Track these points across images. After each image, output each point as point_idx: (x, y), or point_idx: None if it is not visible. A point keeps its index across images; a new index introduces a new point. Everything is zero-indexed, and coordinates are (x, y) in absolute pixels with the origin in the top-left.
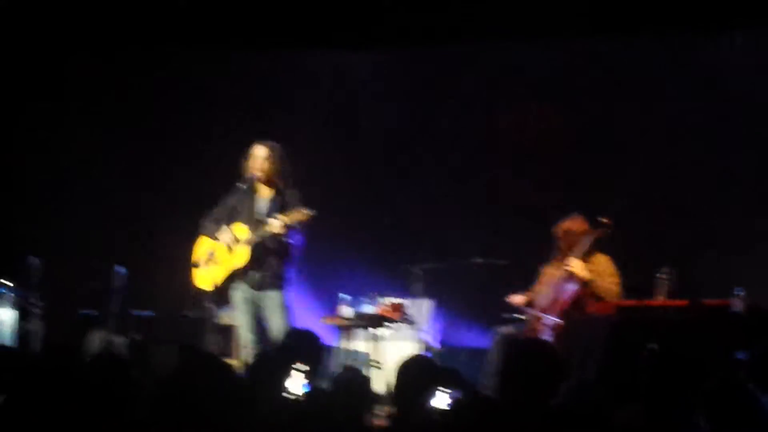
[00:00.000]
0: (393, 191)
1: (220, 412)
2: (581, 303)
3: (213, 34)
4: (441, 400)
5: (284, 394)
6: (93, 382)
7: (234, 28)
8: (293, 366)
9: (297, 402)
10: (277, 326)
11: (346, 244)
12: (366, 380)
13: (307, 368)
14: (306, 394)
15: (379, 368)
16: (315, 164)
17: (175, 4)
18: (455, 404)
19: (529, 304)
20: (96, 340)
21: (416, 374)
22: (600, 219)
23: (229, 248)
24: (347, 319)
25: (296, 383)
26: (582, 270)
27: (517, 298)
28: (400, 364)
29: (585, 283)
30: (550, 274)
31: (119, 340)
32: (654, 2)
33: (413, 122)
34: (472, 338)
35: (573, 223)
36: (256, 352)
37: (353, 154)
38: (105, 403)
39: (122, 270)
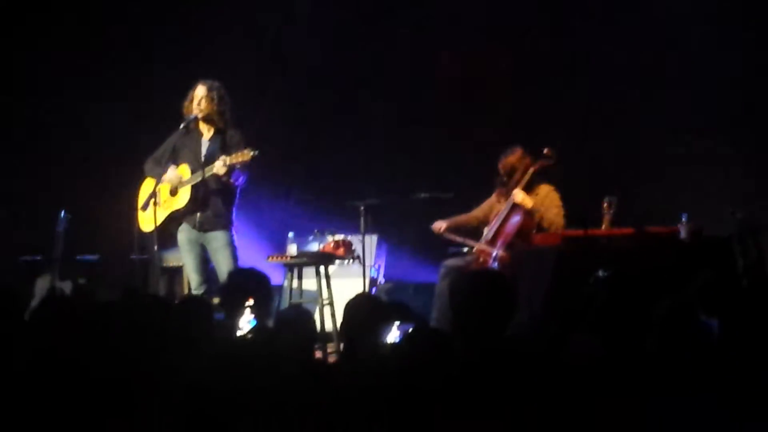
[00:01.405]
0: (337, 128)
1: (163, 350)
2: (527, 234)
3: None
4: (391, 333)
5: (234, 332)
6: (41, 325)
7: None
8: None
9: (243, 339)
10: (223, 266)
11: (290, 183)
12: (310, 317)
13: (251, 303)
14: (252, 330)
15: (327, 305)
16: (257, 102)
17: None
18: (405, 337)
19: (452, 228)
20: (41, 285)
21: (363, 311)
22: (543, 150)
23: (174, 189)
24: (293, 257)
25: (243, 319)
26: (527, 200)
27: (439, 224)
28: (346, 302)
29: (530, 214)
30: (494, 206)
31: (65, 285)
32: None
33: (357, 59)
34: (419, 272)
35: (513, 158)
36: (203, 293)
37: (296, 91)
38: (54, 347)
39: (66, 215)
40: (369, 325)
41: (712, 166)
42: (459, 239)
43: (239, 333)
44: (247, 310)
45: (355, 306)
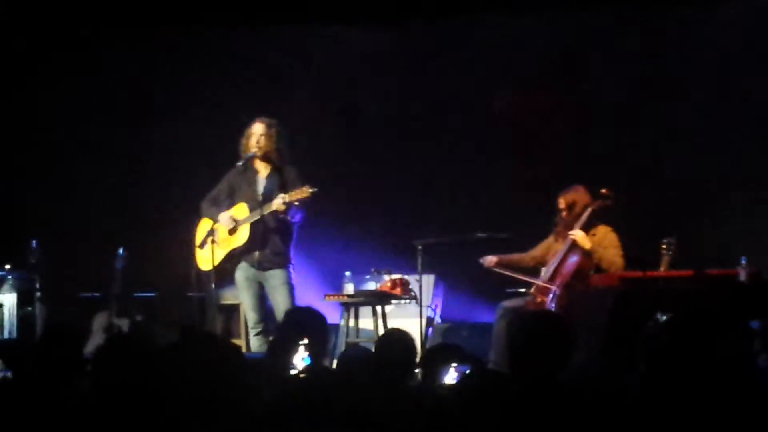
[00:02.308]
0: (395, 167)
1: (219, 390)
2: (584, 275)
3: (209, 10)
4: (448, 374)
5: (287, 371)
6: (106, 362)
7: (231, 3)
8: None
9: (299, 377)
10: (281, 304)
11: (348, 221)
12: (370, 357)
13: (306, 341)
14: (308, 368)
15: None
16: (316, 140)
17: None
18: (462, 378)
19: (504, 264)
20: (99, 321)
21: (398, 350)
22: (601, 190)
23: (230, 229)
24: (350, 296)
25: (298, 358)
26: (585, 241)
27: (490, 258)
28: (379, 338)
29: (588, 254)
30: (551, 246)
31: (122, 322)
32: None
33: (414, 97)
34: (475, 313)
35: (575, 194)
36: (260, 332)
37: (354, 130)
38: (118, 385)
39: (124, 252)
40: (403, 363)
41: None
42: (514, 275)
43: (293, 371)
44: (302, 348)
45: (388, 342)
